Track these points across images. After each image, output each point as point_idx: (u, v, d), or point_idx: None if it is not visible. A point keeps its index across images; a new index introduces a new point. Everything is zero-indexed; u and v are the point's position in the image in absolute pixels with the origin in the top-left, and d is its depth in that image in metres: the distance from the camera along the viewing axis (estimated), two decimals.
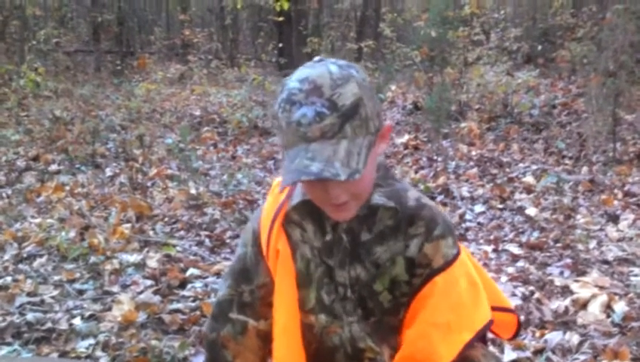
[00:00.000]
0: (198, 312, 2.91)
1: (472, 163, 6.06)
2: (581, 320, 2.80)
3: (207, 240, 4.00)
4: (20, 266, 3.48)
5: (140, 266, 3.46)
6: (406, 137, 7.05)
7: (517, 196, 4.91)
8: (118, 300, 2.97)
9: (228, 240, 4.00)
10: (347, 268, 1.49)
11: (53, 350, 2.60)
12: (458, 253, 1.48)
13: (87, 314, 2.90)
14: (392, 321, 1.52)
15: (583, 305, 2.93)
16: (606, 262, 3.53)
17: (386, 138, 1.40)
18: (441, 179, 5.37)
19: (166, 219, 4.38)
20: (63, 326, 2.77)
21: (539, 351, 2.56)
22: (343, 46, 15.72)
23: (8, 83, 9.72)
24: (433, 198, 4.67)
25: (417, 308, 1.46)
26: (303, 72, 1.33)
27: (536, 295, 3.07)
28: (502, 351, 2.51)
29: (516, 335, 1.72)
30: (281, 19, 12.88)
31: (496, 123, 7.60)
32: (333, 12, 19.54)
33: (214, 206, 4.64)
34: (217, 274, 3.37)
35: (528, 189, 5.08)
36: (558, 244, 3.83)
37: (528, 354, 2.54)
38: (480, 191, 5.07)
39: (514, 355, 2.50)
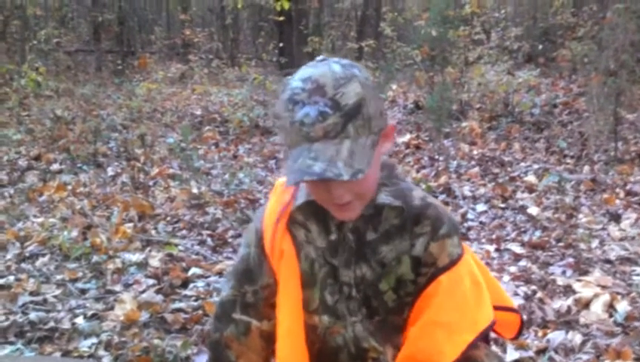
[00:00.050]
0: (200, 311, 2.91)
1: (473, 162, 6.06)
2: (583, 320, 2.80)
3: (209, 240, 4.00)
4: (23, 265, 3.48)
5: (142, 265, 3.47)
6: (407, 137, 7.05)
7: (519, 195, 4.91)
8: (121, 299, 2.97)
9: (230, 240, 4.00)
10: (352, 268, 1.49)
11: (56, 349, 2.60)
12: (463, 253, 1.48)
13: (89, 313, 2.90)
14: (396, 320, 1.52)
15: (586, 305, 2.93)
16: (608, 261, 3.53)
17: (389, 137, 1.40)
18: (443, 179, 5.37)
19: (168, 219, 4.38)
20: (66, 325, 2.77)
21: (541, 351, 2.56)
22: (343, 45, 15.73)
23: (9, 82, 9.72)
24: (435, 198, 4.67)
25: (422, 307, 1.46)
26: (306, 71, 1.32)
27: (539, 294, 3.07)
28: (504, 351, 2.51)
29: (519, 334, 1.72)
30: (281, 18, 12.88)
31: (498, 122, 7.60)
32: (334, 11, 19.55)
33: (216, 205, 4.65)
34: (219, 274, 3.38)
35: (530, 188, 5.08)
36: (561, 244, 3.83)
37: (531, 353, 2.53)
38: (482, 190, 5.07)
39: (516, 355, 2.50)
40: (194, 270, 3.40)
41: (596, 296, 2.96)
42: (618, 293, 3.02)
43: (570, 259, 3.53)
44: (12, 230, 4.01)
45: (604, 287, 3.08)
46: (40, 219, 4.24)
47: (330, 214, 1.43)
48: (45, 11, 16.26)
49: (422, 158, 6.35)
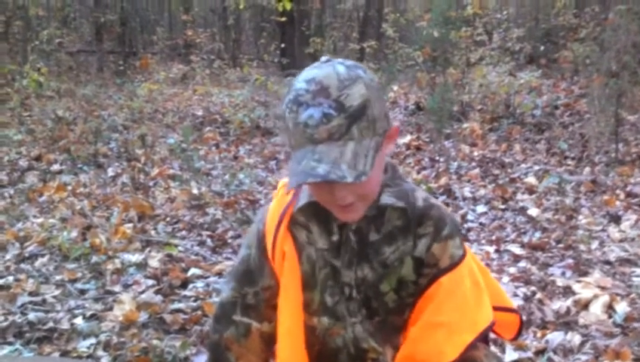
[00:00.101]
0: (199, 312, 2.91)
1: (474, 163, 6.06)
2: (583, 321, 2.80)
3: (208, 240, 4.00)
4: (22, 266, 3.49)
5: (141, 266, 3.47)
6: (408, 138, 7.05)
7: (519, 196, 4.91)
8: (120, 300, 2.97)
9: (229, 241, 4.00)
10: (354, 269, 1.48)
11: (55, 349, 2.60)
12: (464, 254, 1.48)
13: (88, 313, 2.90)
14: (396, 321, 1.52)
15: (585, 306, 2.93)
16: (608, 262, 3.53)
17: (393, 139, 1.40)
18: (443, 180, 5.37)
19: (168, 219, 4.38)
20: (65, 325, 2.77)
21: (540, 352, 2.56)
22: (345, 46, 15.75)
23: (11, 83, 9.73)
24: (435, 199, 4.66)
25: (422, 308, 1.46)
26: (310, 72, 1.32)
27: (538, 295, 3.06)
28: (503, 352, 2.51)
29: (518, 335, 1.72)
30: (283, 19, 12.89)
31: (499, 123, 7.59)
32: (336, 12, 19.54)
33: (216, 206, 4.65)
34: (219, 274, 3.38)
35: (530, 190, 5.07)
36: (560, 245, 3.82)
37: (530, 354, 2.53)
38: (482, 191, 5.07)
39: (515, 355, 2.50)
40: (193, 270, 3.40)
41: (595, 297, 2.96)
42: (617, 294, 3.01)
43: (570, 260, 3.53)
44: (12, 230, 4.01)
45: (603, 288, 3.07)
46: (40, 220, 4.24)
47: (332, 215, 1.43)
48: (48, 12, 16.25)
49: (422, 159, 6.35)
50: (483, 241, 3.99)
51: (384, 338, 1.54)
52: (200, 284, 3.24)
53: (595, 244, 3.80)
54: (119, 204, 4.56)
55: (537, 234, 4.04)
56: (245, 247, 1.60)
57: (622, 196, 4.78)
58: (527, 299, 3.04)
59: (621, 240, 3.88)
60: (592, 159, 5.99)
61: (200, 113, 9.10)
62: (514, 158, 6.23)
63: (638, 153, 6.00)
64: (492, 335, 1.80)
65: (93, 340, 2.64)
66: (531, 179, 5.33)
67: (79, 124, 7.57)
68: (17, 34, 13.43)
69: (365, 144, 1.28)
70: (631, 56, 6.22)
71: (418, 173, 5.81)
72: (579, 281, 3.18)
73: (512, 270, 3.44)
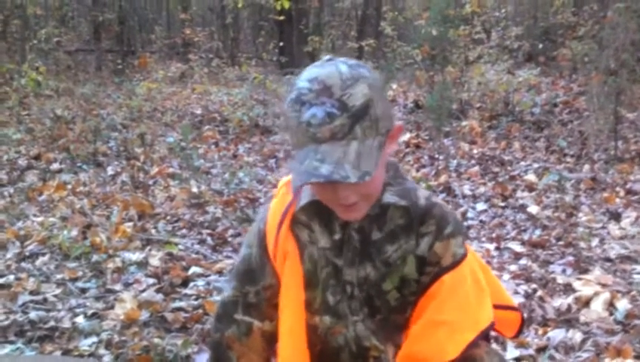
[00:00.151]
0: (200, 310, 2.91)
1: (473, 161, 6.06)
2: (584, 318, 2.80)
3: (209, 239, 4.00)
4: (23, 265, 3.48)
5: (142, 265, 3.46)
6: (407, 136, 7.05)
7: (519, 194, 4.92)
8: (121, 298, 2.97)
9: (230, 239, 4.00)
10: (356, 267, 1.48)
11: (56, 348, 2.60)
12: (466, 253, 1.48)
13: (89, 312, 2.90)
14: (398, 319, 1.52)
15: (586, 303, 2.93)
16: (608, 259, 3.53)
17: (396, 138, 1.39)
18: (443, 178, 5.37)
19: (168, 218, 4.38)
20: (66, 324, 2.77)
21: (541, 349, 2.56)
22: (343, 45, 15.75)
23: (9, 82, 9.72)
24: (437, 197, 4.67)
25: (424, 306, 1.46)
26: (313, 71, 1.31)
27: (539, 293, 3.07)
28: (505, 349, 2.51)
29: (519, 333, 1.72)
30: (281, 18, 12.88)
31: (498, 121, 7.60)
32: (334, 11, 19.54)
33: (216, 204, 4.65)
34: (219, 273, 3.38)
35: (530, 187, 5.08)
36: (561, 242, 3.83)
37: (531, 351, 2.53)
38: (482, 189, 5.07)
39: (517, 353, 2.50)
40: (194, 269, 3.40)
41: (596, 294, 2.97)
42: (618, 291, 3.02)
43: (571, 258, 3.53)
44: (12, 229, 4.00)
45: (604, 286, 3.08)
46: (40, 219, 4.23)
47: (334, 214, 1.42)
48: (45, 11, 16.26)
49: (422, 157, 6.35)
50: (483, 239, 3.99)
51: (386, 336, 1.54)
52: (201, 283, 3.24)
53: (595, 242, 3.80)
54: (119, 202, 4.55)
55: (537, 232, 4.04)
56: (246, 246, 1.60)
57: (622, 193, 4.79)
58: (527, 296, 3.04)
59: (621, 238, 3.88)
60: (592, 157, 6.00)
61: (199, 112, 9.10)
62: (513, 156, 6.23)
63: (638, 150, 6.01)
64: (493, 333, 1.80)
65: (94, 339, 2.64)
66: (531, 177, 5.34)
67: (78, 122, 7.57)
68: (15, 33, 13.40)
69: (368, 144, 1.28)
70: (629, 54, 6.23)
71: (417, 170, 5.81)
72: (579, 279, 3.19)
73: (513, 267, 3.45)
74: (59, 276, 3.31)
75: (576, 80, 9.21)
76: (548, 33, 12.20)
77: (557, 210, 4.44)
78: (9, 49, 12.97)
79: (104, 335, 2.65)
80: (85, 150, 6.38)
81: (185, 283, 3.26)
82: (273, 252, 1.52)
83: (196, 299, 3.04)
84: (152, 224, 4.23)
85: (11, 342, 2.63)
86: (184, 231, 4.15)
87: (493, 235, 4.03)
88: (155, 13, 19.60)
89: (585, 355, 2.49)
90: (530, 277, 3.28)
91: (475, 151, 6.39)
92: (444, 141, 6.69)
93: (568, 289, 3.12)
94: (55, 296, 3.08)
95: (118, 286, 3.20)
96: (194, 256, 3.65)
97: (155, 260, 3.50)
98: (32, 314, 2.83)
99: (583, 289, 3.05)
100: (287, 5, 9.51)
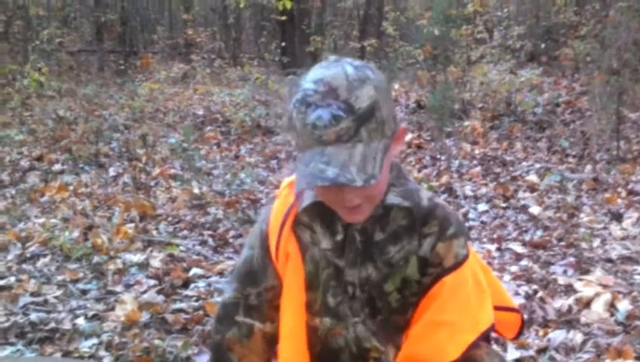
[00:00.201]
0: (201, 312, 2.91)
1: (475, 161, 6.06)
2: (584, 319, 2.79)
3: (210, 240, 4.00)
4: (24, 266, 3.48)
5: (143, 266, 3.46)
6: (409, 136, 7.04)
7: (520, 195, 4.91)
8: (122, 300, 2.97)
9: (231, 240, 4.00)
10: (358, 268, 1.48)
11: (57, 350, 2.60)
12: (468, 254, 1.48)
13: (90, 313, 2.90)
14: (399, 320, 1.52)
15: (587, 304, 2.93)
16: (610, 260, 3.52)
17: (400, 140, 1.39)
18: (445, 178, 5.37)
19: (169, 219, 4.39)
20: (67, 326, 2.77)
21: (542, 350, 2.55)
22: (345, 45, 15.75)
23: (12, 83, 9.74)
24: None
25: (425, 307, 1.46)
26: (318, 72, 1.30)
27: (540, 293, 3.06)
28: (505, 350, 2.50)
29: (519, 334, 1.72)
30: (283, 18, 12.89)
31: (500, 121, 7.59)
32: (336, 11, 19.53)
33: (217, 205, 4.65)
34: (220, 274, 3.38)
35: (532, 188, 5.07)
36: (562, 243, 3.82)
37: (532, 352, 2.53)
38: (483, 189, 5.07)
39: (517, 354, 2.50)
40: (195, 270, 3.40)
41: (597, 295, 2.96)
42: (619, 292, 3.01)
43: (572, 259, 3.53)
44: (13, 231, 4.01)
45: (605, 286, 3.07)
46: (41, 220, 4.24)
47: (337, 215, 1.42)
48: (48, 11, 16.25)
49: (424, 158, 6.35)
50: (484, 240, 3.99)
51: (386, 337, 1.54)
52: (202, 284, 3.24)
53: (596, 242, 3.79)
54: (121, 203, 4.56)
55: (539, 233, 4.03)
56: (248, 248, 1.60)
57: (623, 194, 4.78)
58: (528, 297, 3.03)
59: (623, 238, 3.87)
60: (594, 157, 5.99)
61: (201, 112, 9.10)
62: (515, 156, 6.22)
63: None
64: (494, 334, 1.80)
65: (95, 340, 2.64)
66: (533, 177, 5.33)
67: (80, 123, 7.57)
68: (18, 34, 13.42)
69: (374, 146, 1.27)
70: (632, 54, 6.22)
71: (419, 171, 5.81)
72: (580, 279, 3.18)
73: (514, 268, 3.44)
74: (60, 277, 3.32)
75: (579, 80, 9.19)
76: (550, 33, 12.17)
77: (558, 210, 4.44)
78: (11, 50, 12.99)
79: (105, 337, 2.66)
80: (87, 151, 6.39)
81: (186, 284, 3.26)
82: (275, 253, 1.52)
83: (197, 301, 3.04)
84: (153, 225, 4.24)
85: (12, 344, 2.64)
86: (185, 232, 4.16)
87: (495, 236, 4.03)
88: (157, 13, 19.62)
89: (585, 356, 2.48)
90: (531, 278, 3.27)
91: (476, 151, 6.39)
92: (445, 141, 6.68)
93: (569, 290, 3.12)
94: (56, 297, 3.08)
95: (118, 288, 3.20)
96: (195, 257, 3.66)
97: (156, 261, 3.50)
98: (33, 316, 2.83)
99: (584, 290, 3.04)
100: (289, 5, 9.52)
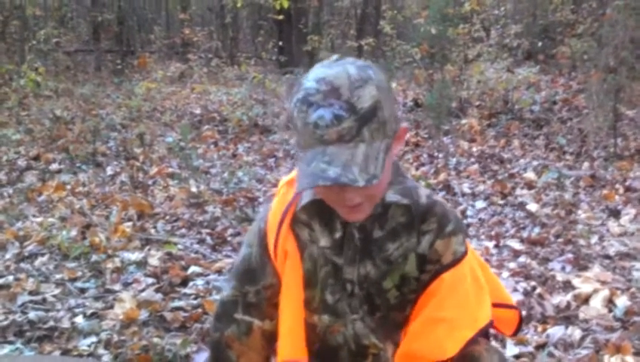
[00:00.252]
0: (199, 310, 2.91)
1: (472, 159, 6.06)
2: (583, 315, 2.80)
3: (208, 238, 4.00)
4: (22, 265, 3.48)
5: (141, 264, 3.46)
6: (407, 134, 7.04)
7: (518, 192, 4.92)
8: (120, 298, 2.97)
9: (229, 238, 4.00)
10: (357, 265, 1.48)
11: (56, 348, 2.60)
12: (466, 251, 1.48)
13: (89, 312, 2.90)
14: (397, 317, 1.52)
15: (585, 300, 2.93)
16: (608, 256, 3.53)
17: (401, 140, 1.39)
18: (442, 176, 5.37)
19: (167, 218, 4.38)
20: (65, 324, 2.77)
21: (541, 346, 2.56)
22: (343, 44, 15.75)
23: (9, 83, 9.73)
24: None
25: (424, 304, 1.46)
26: (320, 71, 1.29)
27: (538, 290, 3.06)
28: (504, 346, 2.51)
29: (518, 331, 1.72)
30: (281, 17, 12.87)
31: (497, 119, 7.60)
32: (334, 10, 19.54)
33: (215, 204, 4.64)
34: (219, 272, 3.38)
35: (529, 185, 5.08)
36: (560, 239, 3.82)
37: (530, 348, 2.53)
38: (481, 187, 5.07)
39: (516, 350, 2.50)
40: (193, 268, 3.39)
41: (595, 291, 2.97)
42: (617, 288, 3.02)
43: (570, 255, 3.53)
44: (11, 230, 4.00)
45: (603, 283, 3.08)
46: (39, 219, 4.23)
47: (335, 212, 1.42)
48: (45, 11, 16.24)
49: (421, 156, 6.35)
50: (482, 237, 3.99)
51: (385, 334, 1.54)
52: (200, 282, 3.24)
53: (594, 239, 3.80)
54: (118, 202, 4.55)
55: (537, 229, 4.04)
56: (246, 246, 1.60)
57: (621, 190, 4.79)
58: (527, 293, 3.04)
59: (620, 235, 3.88)
60: (591, 154, 6.00)
61: (198, 111, 9.10)
62: (513, 154, 6.23)
63: (637, 147, 6.01)
64: (492, 331, 1.80)
65: (93, 338, 2.64)
66: (530, 175, 5.34)
67: (77, 123, 7.57)
68: (14, 33, 13.40)
69: (376, 146, 1.27)
70: (629, 52, 6.23)
71: (417, 169, 5.81)
72: (579, 276, 3.19)
73: (512, 265, 3.44)
74: (58, 276, 3.31)
75: (576, 77, 9.21)
76: (547, 31, 12.19)
77: (556, 207, 4.44)
78: (8, 50, 12.97)
79: (103, 335, 2.65)
80: (84, 150, 6.39)
81: (184, 282, 3.26)
82: (274, 251, 1.52)
83: (195, 299, 3.04)
84: (151, 224, 4.24)
85: (10, 342, 2.63)
86: (183, 230, 4.15)
87: (493, 233, 4.03)
88: (154, 13, 19.61)
89: (584, 352, 2.49)
90: (529, 275, 3.27)
91: (474, 149, 6.39)
92: (443, 139, 6.69)
93: (567, 286, 3.12)
94: (54, 296, 3.08)
95: (117, 286, 3.20)
96: (193, 255, 3.65)
97: (155, 260, 3.50)
98: (31, 315, 2.83)
99: (582, 286, 3.05)
100: (286, 4, 9.52)
